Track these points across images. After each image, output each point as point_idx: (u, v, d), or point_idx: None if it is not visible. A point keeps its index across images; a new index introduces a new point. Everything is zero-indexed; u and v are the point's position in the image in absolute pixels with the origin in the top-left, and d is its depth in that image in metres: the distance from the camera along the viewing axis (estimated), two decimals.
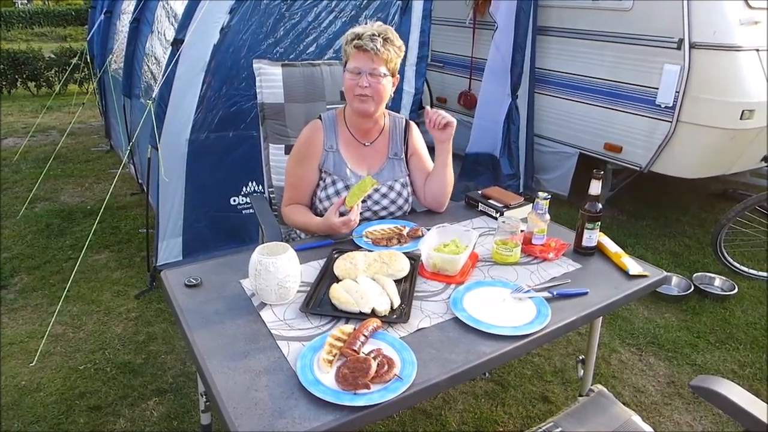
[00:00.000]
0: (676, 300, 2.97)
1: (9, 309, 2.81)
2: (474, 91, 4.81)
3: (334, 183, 1.88)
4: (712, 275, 3.16)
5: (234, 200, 3.10)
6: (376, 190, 1.90)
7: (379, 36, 1.74)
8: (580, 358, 1.88)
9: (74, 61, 6.60)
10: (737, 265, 3.25)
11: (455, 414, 2.16)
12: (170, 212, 2.93)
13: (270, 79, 2.15)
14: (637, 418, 1.45)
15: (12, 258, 3.32)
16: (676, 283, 3.11)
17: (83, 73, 7.05)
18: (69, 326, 2.68)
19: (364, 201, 1.89)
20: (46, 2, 25.09)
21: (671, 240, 3.71)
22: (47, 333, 2.54)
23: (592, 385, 1.72)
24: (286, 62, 2.19)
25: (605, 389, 1.55)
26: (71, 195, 4.37)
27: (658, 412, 2.20)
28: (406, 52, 3.33)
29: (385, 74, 1.77)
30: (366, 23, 1.81)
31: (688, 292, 2.98)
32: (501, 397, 2.25)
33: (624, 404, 2.20)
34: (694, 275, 3.15)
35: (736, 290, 3.01)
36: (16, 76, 7.93)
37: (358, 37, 1.75)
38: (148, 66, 3.51)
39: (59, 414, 2.14)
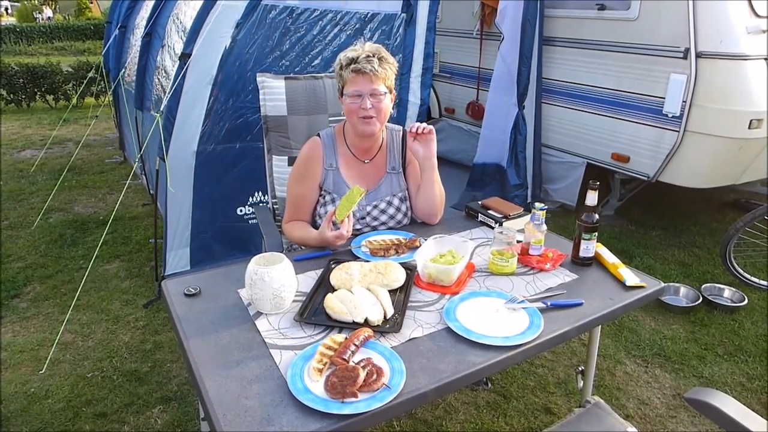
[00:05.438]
0: (684, 311, 2.94)
1: (21, 317, 2.87)
2: (482, 102, 4.83)
3: (333, 201, 1.90)
4: (722, 286, 3.12)
5: (241, 210, 3.15)
6: (375, 206, 1.92)
7: (374, 56, 1.76)
8: (580, 369, 1.87)
9: (90, 74, 6.75)
10: (747, 276, 3.20)
11: (456, 424, 2.16)
12: (178, 223, 2.98)
13: (273, 92, 2.19)
14: (633, 430, 1.44)
15: (26, 267, 3.40)
16: (684, 294, 3.07)
17: (99, 86, 7.21)
18: (78, 334, 2.73)
19: (363, 217, 1.92)
20: (67, 17, 25.68)
21: (680, 250, 3.68)
22: (56, 341, 2.59)
23: (591, 396, 1.71)
24: (289, 75, 2.24)
25: (602, 400, 1.55)
26: (85, 206, 4.46)
27: (662, 425, 2.18)
28: (411, 63, 3.41)
29: (385, 92, 1.80)
30: (369, 36, 1.83)
31: (697, 303, 2.95)
32: (503, 408, 2.24)
33: (627, 417, 2.20)
34: (703, 286, 3.11)
35: (745, 302, 2.96)
36: (35, 90, 8.12)
37: (354, 61, 1.77)
38: (158, 79, 3.59)
39: (66, 421, 2.17)
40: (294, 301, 1.44)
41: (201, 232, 3.05)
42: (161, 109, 2.84)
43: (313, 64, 3.05)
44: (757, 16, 3.13)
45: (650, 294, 1.56)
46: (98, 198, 4.64)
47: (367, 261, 1.65)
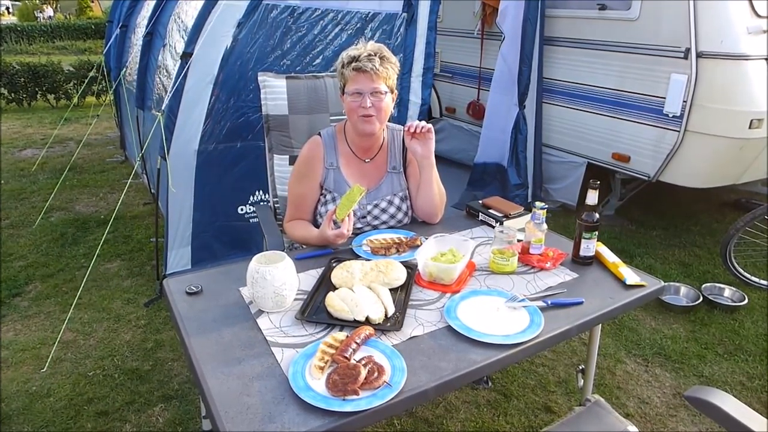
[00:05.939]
0: (684, 310, 2.94)
1: (23, 316, 2.88)
2: (483, 101, 4.83)
3: (334, 200, 1.90)
4: (722, 286, 3.12)
5: (242, 209, 3.15)
6: (376, 206, 1.93)
7: (375, 55, 1.77)
8: (581, 367, 1.88)
9: (91, 73, 6.76)
10: (748, 275, 3.20)
11: (456, 423, 2.16)
12: (179, 222, 2.98)
13: (274, 92, 2.19)
14: (633, 429, 1.44)
15: (27, 266, 3.40)
16: (684, 294, 3.07)
17: (100, 86, 7.21)
18: (80, 333, 2.73)
19: (363, 217, 1.92)
20: (68, 16, 25.68)
21: (681, 250, 3.68)
22: (58, 339, 2.59)
23: (591, 395, 1.72)
24: (290, 75, 2.24)
25: (602, 399, 1.55)
26: (86, 205, 4.46)
27: (662, 424, 2.18)
28: (412, 63, 3.41)
29: (386, 92, 1.80)
30: (370, 36, 1.84)
31: (697, 302, 2.95)
32: (503, 407, 2.25)
33: (627, 415, 2.20)
34: (703, 286, 3.11)
35: (746, 301, 2.97)
36: (36, 89, 8.13)
37: (356, 59, 1.77)
38: (159, 78, 3.60)
39: (67, 419, 2.18)
40: (295, 299, 1.45)
41: (202, 231, 3.06)
42: (162, 108, 2.85)
43: (314, 64, 3.06)
44: (758, 16, 3.13)
45: (650, 293, 1.57)
46: (99, 197, 4.64)
47: (368, 260, 1.65)
